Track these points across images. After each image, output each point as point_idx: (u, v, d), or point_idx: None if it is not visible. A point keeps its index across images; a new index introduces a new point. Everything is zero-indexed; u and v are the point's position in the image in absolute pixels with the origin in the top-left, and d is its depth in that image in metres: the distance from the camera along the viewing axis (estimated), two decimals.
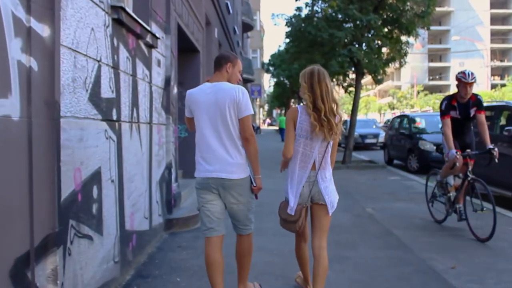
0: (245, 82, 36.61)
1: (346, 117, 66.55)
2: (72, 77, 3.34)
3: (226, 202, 3.74)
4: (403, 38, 15.15)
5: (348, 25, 14.26)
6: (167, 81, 6.61)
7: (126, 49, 4.72)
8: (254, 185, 3.79)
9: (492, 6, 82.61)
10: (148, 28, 5.37)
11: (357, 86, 15.44)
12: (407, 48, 15.35)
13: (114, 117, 4.31)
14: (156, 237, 5.94)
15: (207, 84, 3.78)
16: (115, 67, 4.36)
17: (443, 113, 6.64)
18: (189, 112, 3.87)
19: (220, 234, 3.78)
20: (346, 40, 13.85)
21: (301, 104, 3.94)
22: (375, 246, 5.81)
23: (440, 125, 15.42)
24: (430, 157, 13.61)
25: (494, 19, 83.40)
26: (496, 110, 9.59)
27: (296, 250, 4.15)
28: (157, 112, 6.03)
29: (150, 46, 5.69)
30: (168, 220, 6.48)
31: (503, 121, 9.40)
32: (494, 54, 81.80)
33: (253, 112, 3.91)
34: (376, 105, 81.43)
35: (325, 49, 14.83)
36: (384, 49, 15.46)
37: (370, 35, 14.26)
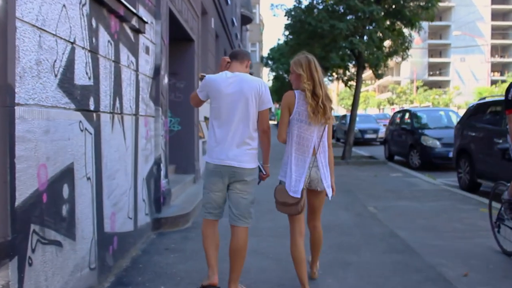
0: None
1: (345, 111, 66.12)
2: (36, 59, 2.88)
3: (232, 190, 3.83)
4: (405, 31, 14.70)
5: (350, 16, 13.80)
6: (157, 70, 6.15)
7: (107, 32, 4.26)
8: (264, 173, 3.98)
9: (493, 1, 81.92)
10: (134, 10, 4.90)
11: (358, 79, 14.98)
12: (410, 41, 14.88)
13: (92, 107, 3.86)
14: (142, 238, 5.49)
15: (228, 73, 3.80)
16: (94, 51, 3.90)
17: (509, 105, 4.68)
18: (205, 95, 3.92)
19: (218, 218, 4.03)
20: (347, 32, 13.38)
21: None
22: (379, 249, 5.36)
23: (445, 120, 15.24)
24: (433, 154, 13.20)
25: (495, 15, 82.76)
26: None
27: (292, 247, 3.96)
28: (144, 103, 5.58)
29: (137, 31, 5.23)
30: (156, 219, 6.03)
31: None
32: (495, 50, 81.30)
33: (272, 105, 4.03)
34: (375, 100, 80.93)
35: (326, 41, 14.34)
36: (386, 43, 15.01)
37: (372, 27, 13.77)
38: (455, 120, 15.16)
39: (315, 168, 3.84)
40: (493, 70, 78.04)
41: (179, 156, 9.34)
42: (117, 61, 4.52)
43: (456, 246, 5.48)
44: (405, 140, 14.63)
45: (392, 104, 73.31)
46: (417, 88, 71.74)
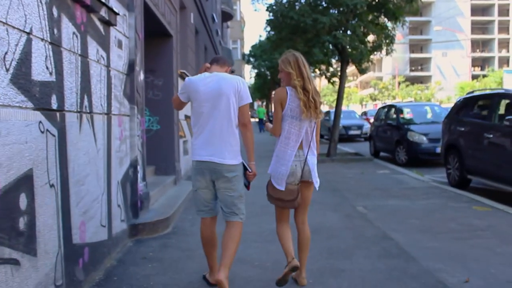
0: None
1: (327, 108, 65.95)
2: None
3: (218, 189, 3.90)
4: (389, 25, 14.43)
5: (333, 10, 13.47)
6: (131, 66, 5.74)
7: (72, 23, 3.85)
8: (250, 171, 3.99)
9: None
10: (103, 0, 4.49)
11: (342, 75, 14.67)
12: (394, 36, 14.59)
13: (54, 106, 3.44)
14: (117, 247, 5.08)
15: (206, 73, 3.91)
16: (56, 43, 3.49)
17: None
18: (186, 97, 3.98)
19: (212, 216, 4.06)
20: (330, 26, 13.06)
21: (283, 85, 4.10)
22: (372, 254, 5.02)
23: (430, 115, 14.99)
24: (419, 149, 12.96)
25: (475, 10, 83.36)
26: (494, 99, 8.88)
27: (279, 230, 4.15)
28: (117, 101, 5.17)
29: (107, 23, 4.82)
30: (134, 225, 5.63)
31: (501, 110, 8.68)
32: (475, 45, 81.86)
33: (251, 101, 4.04)
34: (357, 96, 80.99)
35: (308, 36, 14.03)
36: (369, 37, 14.72)
37: (355, 21, 13.42)
38: (441, 115, 14.95)
39: (305, 162, 3.95)
40: (473, 65, 78.60)
41: (158, 156, 8.93)
42: (84, 55, 4.11)
43: (454, 248, 5.17)
44: (391, 136, 14.37)
45: (375, 100, 73.42)
46: (399, 83, 71.91)
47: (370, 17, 13.99)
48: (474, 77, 68.52)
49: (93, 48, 4.37)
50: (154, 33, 8.48)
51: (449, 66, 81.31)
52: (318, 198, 8.15)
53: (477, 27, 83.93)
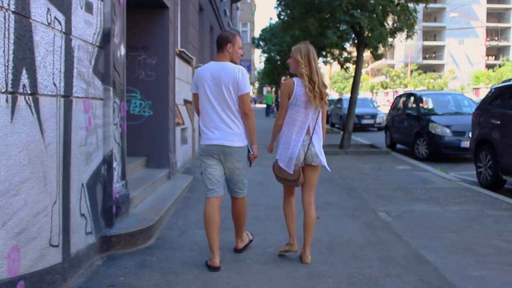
0: None
1: (337, 95, 64.82)
2: None
3: (225, 167, 4.22)
4: (410, 5, 13.13)
5: None
6: (106, 36, 4.57)
7: None
8: (252, 153, 4.33)
9: None
10: None
11: (359, 58, 13.37)
12: (415, 18, 13.29)
13: None
14: (79, 269, 3.96)
15: (212, 63, 4.25)
16: None
17: None
18: (195, 88, 4.27)
19: (219, 195, 4.27)
20: (347, 5, 11.81)
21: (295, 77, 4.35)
22: (407, 286, 3.87)
23: (454, 105, 13.75)
24: (442, 143, 11.76)
25: None
26: None
27: (285, 206, 4.57)
28: (83, 80, 4.02)
29: None
30: (105, 237, 4.49)
31: None
32: (490, 33, 79.85)
33: (249, 91, 4.25)
34: (368, 84, 79.46)
35: (323, 15, 12.78)
36: (388, 20, 13.47)
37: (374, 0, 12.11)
38: (465, 105, 13.72)
39: (311, 146, 4.27)
40: (487, 54, 76.64)
41: (150, 146, 7.81)
42: (22, 13, 2.95)
43: (510, 280, 4.02)
44: (409, 128, 13.15)
45: (386, 88, 71.97)
46: (411, 71, 70.35)
47: None
48: (489, 66, 66.72)
49: (40, 6, 3.20)
50: (146, 3, 7.32)
51: (462, 54, 79.48)
52: (334, 199, 7.04)
53: (492, 15, 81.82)
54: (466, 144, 11.46)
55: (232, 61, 4.23)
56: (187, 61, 10.06)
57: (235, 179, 4.32)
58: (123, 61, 5.09)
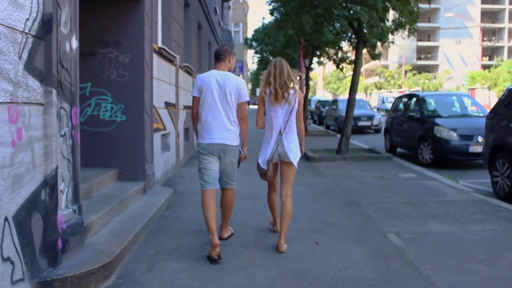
0: None
1: (331, 96, 64.16)
2: None
3: (222, 162, 4.76)
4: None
5: None
6: (47, 24, 3.57)
7: None
8: (242, 153, 4.95)
9: None
10: None
11: (357, 57, 12.34)
12: (418, 13, 12.32)
13: None
14: None
15: (214, 71, 4.78)
16: None
17: None
18: (198, 92, 4.73)
19: (215, 188, 4.78)
20: None
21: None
22: None
23: (459, 107, 12.80)
24: (449, 148, 10.80)
25: None
26: None
27: (268, 198, 5.27)
28: (7, 79, 3.02)
29: None
30: (45, 283, 3.48)
31: None
32: (484, 34, 79.20)
33: (248, 99, 4.98)
34: (362, 84, 78.61)
35: (318, 11, 11.80)
36: (389, 15, 12.52)
37: None
38: (471, 106, 12.81)
39: (282, 145, 4.84)
40: (482, 54, 76.00)
41: (123, 156, 6.83)
42: None
43: None
44: (412, 131, 12.20)
45: (380, 88, 71.14)
46: (406, 72, 69.55)
47: None
48: (484, 67, 65.92)
49: None
50: None
51: (457, 55, 78.81)
52: (334, 217, 6.09)
53: (487, 15, 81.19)
54: (474, 149, 10.56)
55: (229, 71, 4.85)
56: (169, 59, 9.05)
57: (228, 172, 4.84)
58: (75, 56, 4.08)
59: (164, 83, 8.70)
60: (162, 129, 8.54)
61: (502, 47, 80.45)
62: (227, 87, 4.61)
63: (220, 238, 4.91)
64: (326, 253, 4.74)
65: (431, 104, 12.69)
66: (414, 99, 13.05)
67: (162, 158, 8.49)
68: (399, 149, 13.64)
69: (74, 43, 4.07)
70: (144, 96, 6.84)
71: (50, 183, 3.61)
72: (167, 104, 9.03)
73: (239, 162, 4.92)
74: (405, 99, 14.01)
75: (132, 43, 6.74)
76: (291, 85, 4.82)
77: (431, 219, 6.07)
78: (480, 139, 10.47)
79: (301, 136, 5.08)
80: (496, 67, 56.45)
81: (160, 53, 8.21)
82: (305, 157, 11.75)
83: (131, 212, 5.77)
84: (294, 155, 4.84)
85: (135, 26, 6.76)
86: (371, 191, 7.86)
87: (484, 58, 77.04)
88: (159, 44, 8.35)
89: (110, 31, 6.65)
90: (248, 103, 65.84)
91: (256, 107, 5.43)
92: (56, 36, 3.66)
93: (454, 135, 10.82)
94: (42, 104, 3.53)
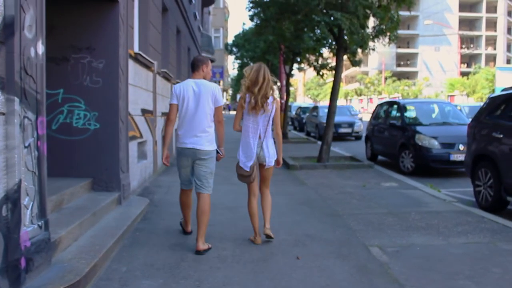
0: None
1: (311, 102, 64.39)
2: None
3: (195, 166, 5.11)
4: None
5: None
6: (8, 28, 3.31)
7: None
8: (220, 153, 5.35)
9: None
10: None
11: (338, 64, 12.21)
12: (399, 20, 12.24)
13: None
14: None
15: (191, 80, 5.17)
16: None
17: None
18: (176, 99, 5.12)
19: (191, 188, 5.40)
20: (326, 4, 10.71)
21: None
22: None
23: (439, 114, 12.74)
24: (430, 156, 10.72)
25: (463, 6, 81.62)
26: None
27: (249, 206, 5.40)
28: None
29: None
30: None
31: None
32: (462, 41, 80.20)
33: (223, 103, 5.46)
34: (342, 91, 78.94)
35: (299, 17, 11.64)
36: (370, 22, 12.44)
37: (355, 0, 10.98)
38: (452, 114, 12.76)
39: (261, 149, 5.25)
40: (460, 62, 76.98)
41: (97, 165, 6.57)
42: None
43: None
44: (393, 139, 12.10)
45: (360, 95, 71.54)
46: (386, 79, 70.05)
47: None
48: (462, 73, 66.71)
49: None
50: None
51: (435, 62, 79.70)
52: (315, 230, 5.92)
53: (464, 23, 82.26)
54: (456, 157, 10.51)
55: (205, 79, 5.22)
56: (146, 65, 8.80)
57: (201, 174, 5.09)
58: (41, 62, 3.83)
59: (141, 89, 8.45)
60: (139, 137, 8.28)
61: (480, 54, 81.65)
62: (202, 94, 5.01)
63: (197, 251, 4.94)
64: (307, 269, 4.54)
65: (412, 111, 12.61)
66: (395, 106, 12.96)
67: (138, 167, 8.23)
68: (380, 157, 13.55)
69: (40, 48, 3.82)
70: (118, 103, 6.59)
71: (12, 198, 3.35)
72: (144, 111, 8.77)
73: (218, 159, 5.33)
74: (385, 107, 13.92)
75: (106, 49, 6.50)
76: (270, 93, 5.17)
77: (415, 231, 5.92)
78: (461, 147, 10.41)
79: (279, 143, 5.43)
80: (474, 74, 57.16)
81: (137, 58, 7.97)
82: (285, 165, 11.59)
83: (104, 225, 5.50)
84: (271, 158, 5.31)
85: (110, 31, 6.51)
86: (353, 202, 7.69)
87: (462, 65, 78.05)
88: (136, 49, 8.12)
89: (83, 36, 6.39)
90: (229, 108, 65.76)
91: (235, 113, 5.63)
92: (20, 40, 3.41)
93: (435, 143, 10.74)
94: (3, 114, 3.28)
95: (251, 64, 34.06)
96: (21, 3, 3.43)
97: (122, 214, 6.15)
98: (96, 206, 5.70)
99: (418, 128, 11.38)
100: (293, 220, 6.38)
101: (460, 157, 10.25)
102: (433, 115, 12.77)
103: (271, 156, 5.28)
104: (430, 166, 10.79)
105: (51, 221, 4.55)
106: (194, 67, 5.23)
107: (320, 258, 4.86)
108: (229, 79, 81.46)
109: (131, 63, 7.49)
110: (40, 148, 3.82)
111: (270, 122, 5.24)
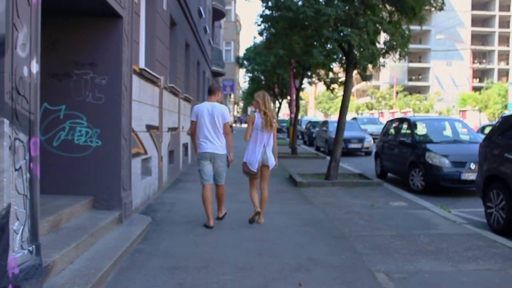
0: (215, 75, 33.18)
1: (322, 116, 64.14)
2: None
3: (214, 165, 6.89)
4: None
5: (338, 1, 10.98)
6: None
7: None
8: (230, 158, 7.05)
9: (474, 7, 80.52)
10: None
11: (348, 80, 12.05)
12: (409, 36, 12.09)
13: None
14: None
15: (207, 102, 6.97)
16: None
17: None
18: (195, 117, 6.89)
19: (211, 183, 6.95)
20: (335, 20, 10.58)
21: (257, 110, 7.14)
22: None
23: (451, 132, 12.52)
24: (441, 175, 10.49)
25: (475, 21, 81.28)
26: None
27: (250, 193, 7.16)
28: None
29: None
30: None
31: None
32: (475, 56, 79.75)
33: (229, 120, 7.12)
34: (353, 105, 78.67)
35: (308, 32, 11.52)
36: (380, 37, 12.30)
37: (367, 16, 10.84)
38: (463, 131, 12.54)
39: (265, 154, 7.01)
40: (472, 77, 76.50)
41: (98, 183, 6.44)
42: None
43: None
44: (403, 156, 11.90)
45: (371, 109, 71.21)
46: (397, 93, 69.72)
47: (384, 12, 11.55)
48: (474, 88, 66.27)
49: None
50: (92, 10, 6.01)
51: (447, 76, 79.29)
52: (320, 253, 5.73)
53: (477, 38, 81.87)
54: (467, 176, 10.28)
55: (217, 102, 6.98)
56: (152, 81, 8.70)
57: (220, 172, 6.96)
58: (35, 82, 3.72)
59: (146, 105, 8.34)
60: (143, 153, 8.16)
61: (492, 69, 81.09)
62: (214, 114, 6.78)
63: (218, 218, 7.31)
64: None
65: (423, 129, 12.41)
66: (406, 123, 12.76)
67: (142, 184, 8.09)
68: (390, 174, 13.33)
69: (35, 67, 3.70)
70: (121, 120, 6.48)
71: (0, 224, 3.22)
72: (149, 127, 8.66)
73: (228, 164, 7.07)
74: (396, 123, 13.73)
75: (110, 64, 6.40)
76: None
77: (423, 256, 5.71)
78: (472, 166, 10.19)
79: (275, 153, 7.26)
80: (486, 89, 56.72)
81: (142, 74, 7.87)
82: (293, 182, 11.44)
83: (102, 246, 5.36)
84: (272, 161, 7.10)
85: (113, 46, 6.41)
86: (360, 222, 7.50)
87: (474, 80, 77.57)
88: (141, 65, 8.02)
89: (86, 52, 6.31)
90: (241, 121, 66.13)
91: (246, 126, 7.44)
92: (11, 60, 3.30)
93: (446, 161, 10.52)
94: None
95: (263, 78, 34.03)
96: (14, 21, 3.32)
97: (122, 234, 6.00)
98: (95, 226, 5.56)
99: (429, 145, 11.18)
100: (297, 243, 6.19)
101: (471, 176, 10.03)
102: (444, 133, 12.56)
103: (271, 159, 7.09)
104: (441, 185, 10.56)
105: (47, 242, 4.44)
106: (210, 92, 7.03)
107: (323, 285, 4.67)
108: (240, 92, 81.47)
109: (135, 79, 7.39)
110: (33, 170, 3.69)
111: (272, 135, 7.08)
